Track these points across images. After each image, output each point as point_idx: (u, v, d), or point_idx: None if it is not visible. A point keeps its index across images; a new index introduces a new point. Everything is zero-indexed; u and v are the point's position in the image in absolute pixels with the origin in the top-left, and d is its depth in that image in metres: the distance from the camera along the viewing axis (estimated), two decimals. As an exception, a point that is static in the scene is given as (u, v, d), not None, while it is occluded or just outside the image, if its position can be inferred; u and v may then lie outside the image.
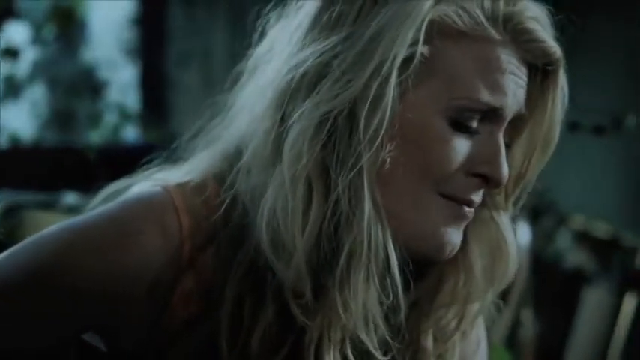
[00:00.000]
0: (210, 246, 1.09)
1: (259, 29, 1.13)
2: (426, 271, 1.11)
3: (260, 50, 1.12)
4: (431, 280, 1.12)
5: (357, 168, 1.02)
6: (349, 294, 1.03)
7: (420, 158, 1.04)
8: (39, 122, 3.74)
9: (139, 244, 1.07)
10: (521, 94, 1.06)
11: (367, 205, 1.03)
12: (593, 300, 3.34)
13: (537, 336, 3.04)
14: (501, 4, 1.04)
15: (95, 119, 3.73)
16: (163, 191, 1.10)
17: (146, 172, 1.15)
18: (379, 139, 1.02)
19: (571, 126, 2.84)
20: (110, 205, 1.10)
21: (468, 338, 1.18)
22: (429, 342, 1.14)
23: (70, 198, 2.71)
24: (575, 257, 3.37)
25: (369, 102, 1.01)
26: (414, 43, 1.02)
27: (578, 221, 3.38)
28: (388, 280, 1.05)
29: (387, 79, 1.01)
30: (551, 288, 3.31)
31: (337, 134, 1.03)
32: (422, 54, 1.02)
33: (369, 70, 1.01)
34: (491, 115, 1.05)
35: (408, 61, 1.02)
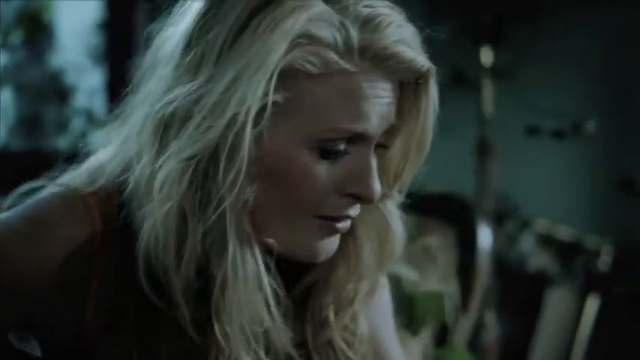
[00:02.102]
0: (114, 252, 1.12)
1: (152, 33, 1.16)
2: None
3: (149, 57, 1.15)
4: (325, 265, 1.17)
5: (220, 210, 1.06)
6: (226, 321, 1.09)
7: (289, 191, 1.08)
8: (6, 127, 3.72)
9: (57, 236, 1.10)
10: (390, 110, 1.09)
11: (231, 241, 1.07)
12: (556, 302, 3.37)
13: (501, 338, 3.05)
14: (355, 37, 1.06)
15: (62, 124, 3.72)
16: (76, 190, 1.13)
17: (56, 174, 1.18)
18: (238, 184, 1.06)
19: (531, 130, 2.89)
20: (28, 203, 1.14)
21: (376, 305, 1.25)
22: (330, 316, 1.19)
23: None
24: (539, 260, 3.39)
25: (226, 150, 1.05)
26: (267, 93, 1.04)
27: (541, 225, 3.41)
28: (263, 299, 1.10)
29: (242, 128, 1.04)
30: (515, 291, 3.32)
31: (199, 178, 1.06)
32: (276, 101, 1.05)
33: (225, 120, 1.04)
34: (357, 138, 1.08)
35: (263, 109, 1.05)
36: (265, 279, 1.11)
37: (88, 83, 3.75)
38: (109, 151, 1.17)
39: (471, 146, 3.09)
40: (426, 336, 2.00)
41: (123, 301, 1.11)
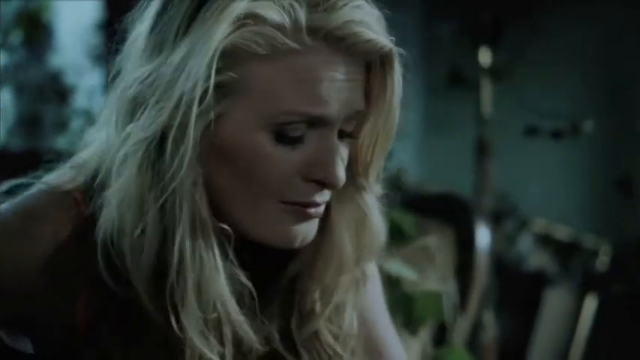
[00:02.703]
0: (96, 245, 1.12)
1: (127, 28, 1.15)
2: (302, 248, 1.15)
3: (124, 52, 1.15)
4: (307, 255, 1.17)
5: (170, 192, 1.06)
6: (181, 309, 1.08)
7: (250, 176, 1.07)
8: (5, 127, 3.73)
9: (46, 231, 1.11)
10: (353, 95, 1.08)
11: (183, 225, 1.07)
12: (554, 302, 3.37)
13: (500, 337, 3.05)
14: (303, 18, 1.05)
15: (62, 124, 3.72)
16: (61, 186, 1.14)
17: (41, 173, 1.18)
18: (185, 165, 1.05)
19: (530, 130, 2.89)
20: (16, 199, 1.14)
21: (364, 296, 1.24)
22: (316, 307, 1.18)
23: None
24: (537, 260, 3.40)
25: (174, 131, 1.05)
26: (211, 74, 1.04)
27: (539, 225, 3.41)
28: (220, 287, 1.09)
29: (189, 108, 1.04)
30: (513, 290, 3.33)
31: (152, 160, 1.07)
32: (227, 83, 1.05)
33: (173, 101, 1.05)
34: (317, 122, 1.07)
35: (211, 92, 1.04)
36: (221, 265, 1.09)
37: (88, 83, 3.75)
38: (91, 147, 1.18)
39: (470, 146, 3.09)
40: (424, 335, 2.00)
41: (109, 294, 1.11)
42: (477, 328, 2.88)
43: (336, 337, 1.20)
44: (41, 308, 1.12)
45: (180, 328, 1.08)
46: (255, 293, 1.14)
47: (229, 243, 1.11)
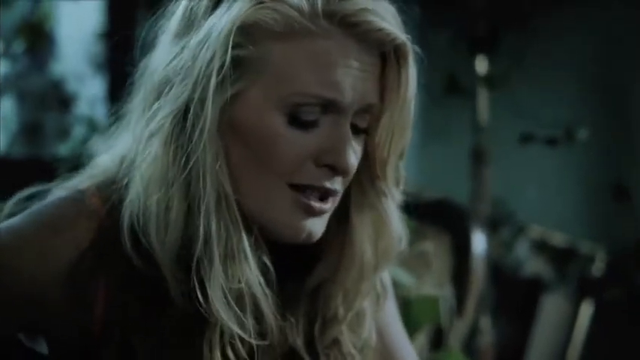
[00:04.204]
0: (118, 246, 1.14)
1: (149, 36, 1.19)
2: (325, 254, 1.18)
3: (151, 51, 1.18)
4: (331, 261, 1.19)
5: (193, 164, 1.08)
6: (208, 282, 1.09)
7: (261, 154, 1.09)
8: (8, 135, 3.73)
9: (67, 240, 1.13)
10: (365, 85, 1.11)
11: (209, 199, 1.08)
12: (551, 307, 3.38)
13: (497, 342, 3.07)
14: (319, 2, 1.09)
15: (64, 132, 3.71)
16: (81, 192, 1.17)
17: (60, 180, 1.22)
18: (205, 139, 1.07)
19: (525, 138, 2.91)
20: (35, 208, 1.16)
21: (383, 311, 1.26)
22: (339, 312, 1.20)
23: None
24: (534, 266, 3.40)
25: (194, 104, 1.08)
26: (232, 47, 1.07)
27: (535, 231, 3.42)
28: (245, 260, 1.11)
29: (208, 82, 1.07)
30: (510, 296, 3.33)
31: (175, 135, 1.10)
32: (243, 57, 1.08)
33: (194, 77, 1.08)
34: (330, 107, 1.10)
35: (229, 65, 1.07)
36: (246, 238, 1.11)
37: (89, 91, 3.73)
38: (111, 152, 1.21)
39: (466, 153, 3.11)
40: (422, 339, 2.01)
41: (127, 296, 1.13)
42: (474, 333, 2.90)
43: (355, 347, 1.22)
44: (58, 316, 1.14)
45: (206, 302, 1.09)
46: (274, 277, 1.15)
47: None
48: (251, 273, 1.11)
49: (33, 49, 3.72)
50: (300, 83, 1.09)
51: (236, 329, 1.10)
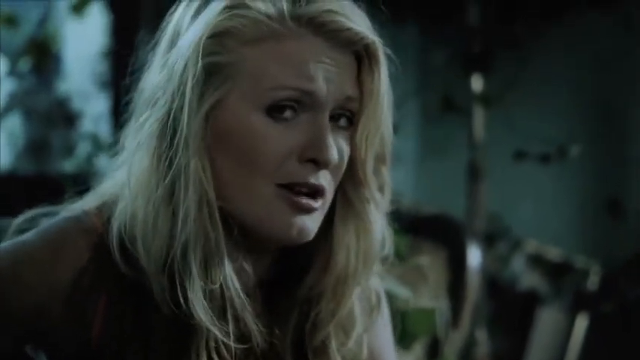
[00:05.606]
0: (114, 262, 1.17)
1: (147, 56, 1.22)
2: (312, 266, 1.20)
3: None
4: (319, 268, 1.21)
5: (176, 170, 1.11)
6: (189, 286, 1.12)
7: (245, 156, 1.12)
8: (14, 152, 3.76)
9: (70, 258, 1.16)
10: (340, 79, 1.14)
11: (191, 204, 1.11)
12: (546, 320, 3.38)
13: (493, 355, 3.08)
14: (284, 6, 1.13)
15: (69, 149, 3.74)
16: (86, 213, 1.20)
17: (68, 201, 1.25)
18: (188, 147, 1.11)
19: (519, 154, 2.94)
20: (43, 227, 1.20)
21: (377, 335, 1.28)
22: (326, 315, 1.21)
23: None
24: (530, 280, 3.40)
25: (174, 112, 1.12)
26: (205, 55, 1.11)
27: (531, 246, 3.43)
28: (222, 265, 1.13)
29: (184, 91, 1.11)
30: (506, 309, 3.34)
31: (160, 143, 1.13)
32: (217, 64, 1.12)
33: (173, 86, 1.12)
34: (307, 100, 1.13)
35: (202, 72, 1.11)
36: (224, 244, 1.13)
37: (94, 109, 3.75)
38: (115, 174, 1.23)
39: (462, 170, 3.14)
40: (418, 350, 2.04)
41: (122, 308, 1.16)
42: (470, 346, 2.92)
43: (345, 359, 1.23)
44: (59, 330, 1.16)
45: (187, 305, 1.12)
46: (254, 282, 1.18)
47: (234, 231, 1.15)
48: (228, 276, 1.14)
49: (39, 67, 3.73)
50: (275, 79, 1.12)
51: (216, 332, 1.13)
